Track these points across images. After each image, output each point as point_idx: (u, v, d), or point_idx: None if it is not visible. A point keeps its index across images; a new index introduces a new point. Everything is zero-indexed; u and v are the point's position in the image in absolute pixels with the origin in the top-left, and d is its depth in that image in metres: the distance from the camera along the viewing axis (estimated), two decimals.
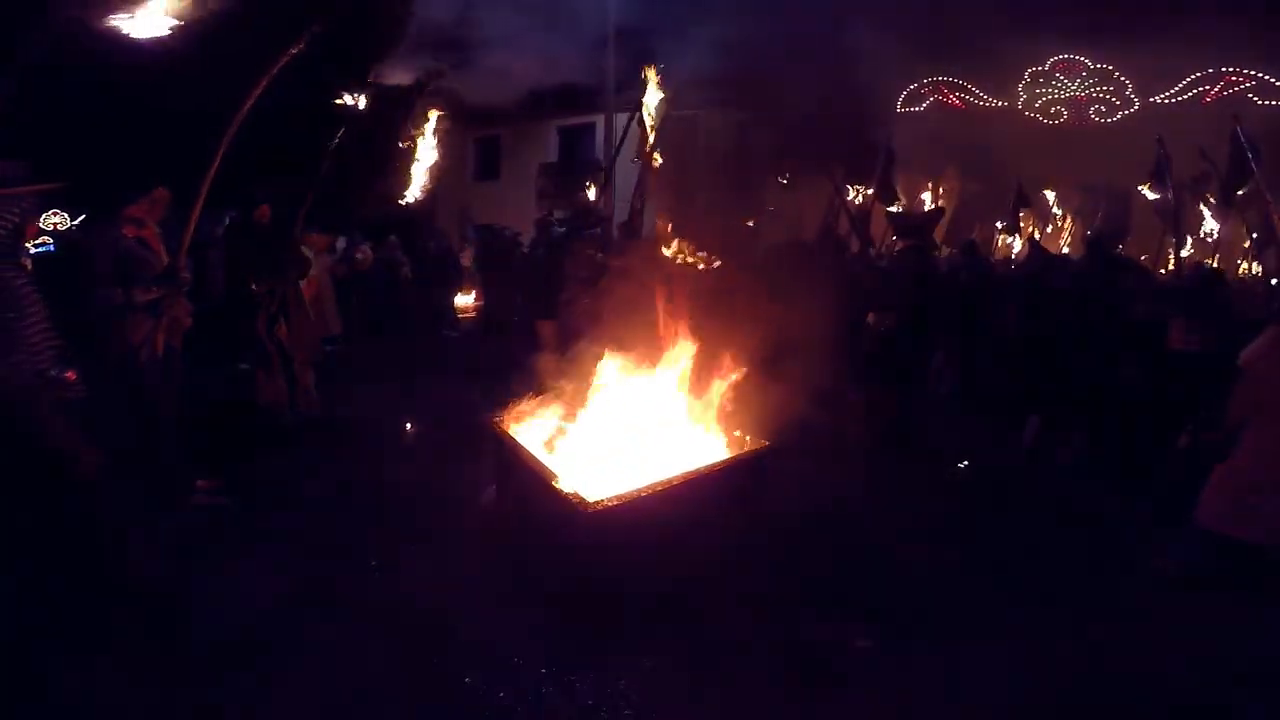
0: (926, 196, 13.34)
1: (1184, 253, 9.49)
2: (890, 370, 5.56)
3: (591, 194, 11.37)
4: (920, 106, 16.60)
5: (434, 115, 6.40)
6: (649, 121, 7.42)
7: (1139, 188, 9.60)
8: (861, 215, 9.95)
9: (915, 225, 6.17)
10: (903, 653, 2.95)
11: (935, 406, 6.82)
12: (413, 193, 6.68)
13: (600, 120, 13.00)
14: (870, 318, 5.91)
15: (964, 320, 6.46)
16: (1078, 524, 4.39)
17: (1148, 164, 9.01)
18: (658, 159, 7.55)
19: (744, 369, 4.04)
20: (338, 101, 5.52)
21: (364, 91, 5.58)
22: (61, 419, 2.87)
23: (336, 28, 4.39)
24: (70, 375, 2.98)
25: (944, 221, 10.18)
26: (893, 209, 9.60)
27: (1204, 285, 6.07)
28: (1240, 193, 8.04)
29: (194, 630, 2.97)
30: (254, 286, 5.27)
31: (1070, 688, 2.77)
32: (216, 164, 3.82)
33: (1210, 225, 11.54)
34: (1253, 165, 7.45)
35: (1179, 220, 7.63)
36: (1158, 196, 8.93)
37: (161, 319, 3.62)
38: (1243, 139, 7.60)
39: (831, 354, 6.04)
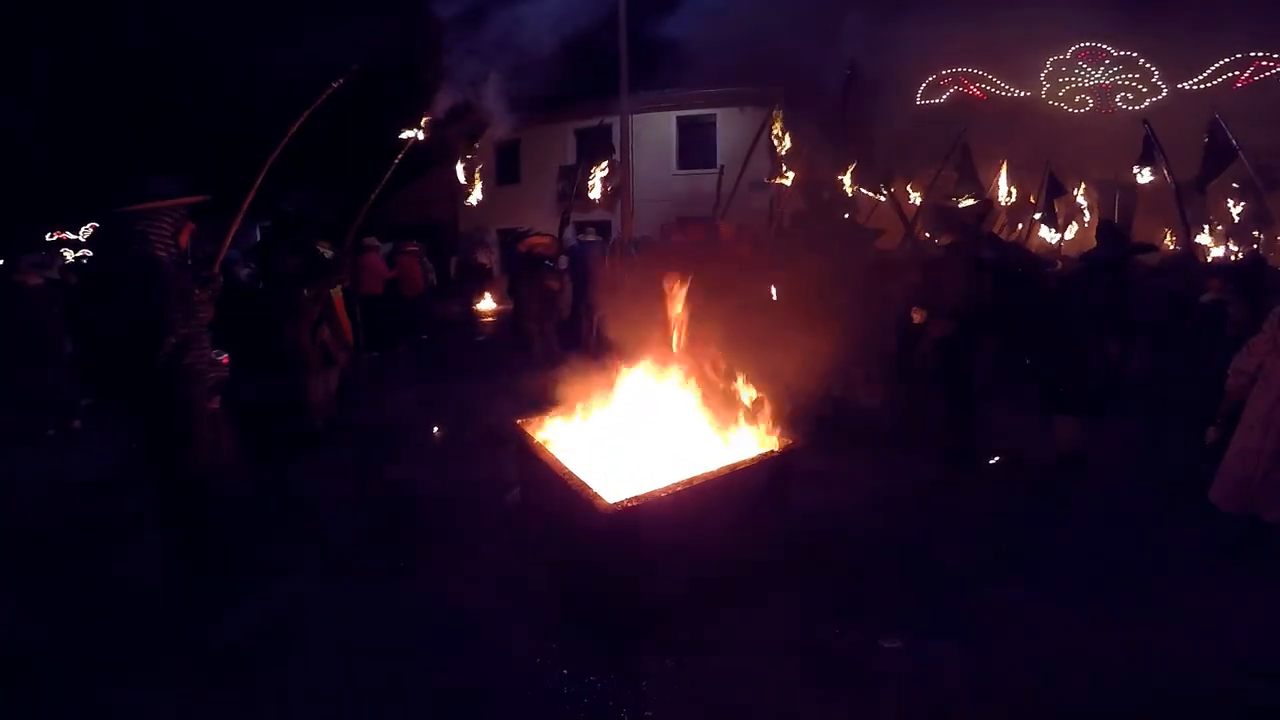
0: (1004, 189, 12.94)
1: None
2: (938, 367, 5.43)
3: (595, 189, 11.14)
4: (940, 98, 16.37)
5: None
6: (778, 148, 7.99)
7: (1134, 172, 9.44)
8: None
9: (965, 220, 5.95)
10: (932, 653, 2.91)
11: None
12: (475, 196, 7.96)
13: (616, 121, 12.99)
14: (914, 314, 5.80)
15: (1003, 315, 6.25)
16: (1114, 520, 4.27)
17: (1187, 151, 8.84)
18: (788, 179, 8.02)
19: (766, 365, 4.02)
20: (402, 136, 6.09)
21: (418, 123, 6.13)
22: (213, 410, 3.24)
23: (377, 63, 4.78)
24: (224, 359, 3.32)
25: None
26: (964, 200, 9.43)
27: (1253, 268, 5.93)
28: (1213, 182, 8.37)
29: (221, 629, 3.04)
30: (305, 292, 5.41)
31: (1104, 688, 2.71)
32: (260, 180, 4.02)
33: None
34: (1238, 154, 7.70)
35: (1183, 206, 7.51)
36: (1152, 180, 8.82)
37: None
38: (1226, 131, 7.81)
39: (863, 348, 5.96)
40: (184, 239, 3.27)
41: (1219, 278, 5.79)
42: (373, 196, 6.18)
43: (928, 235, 7.71)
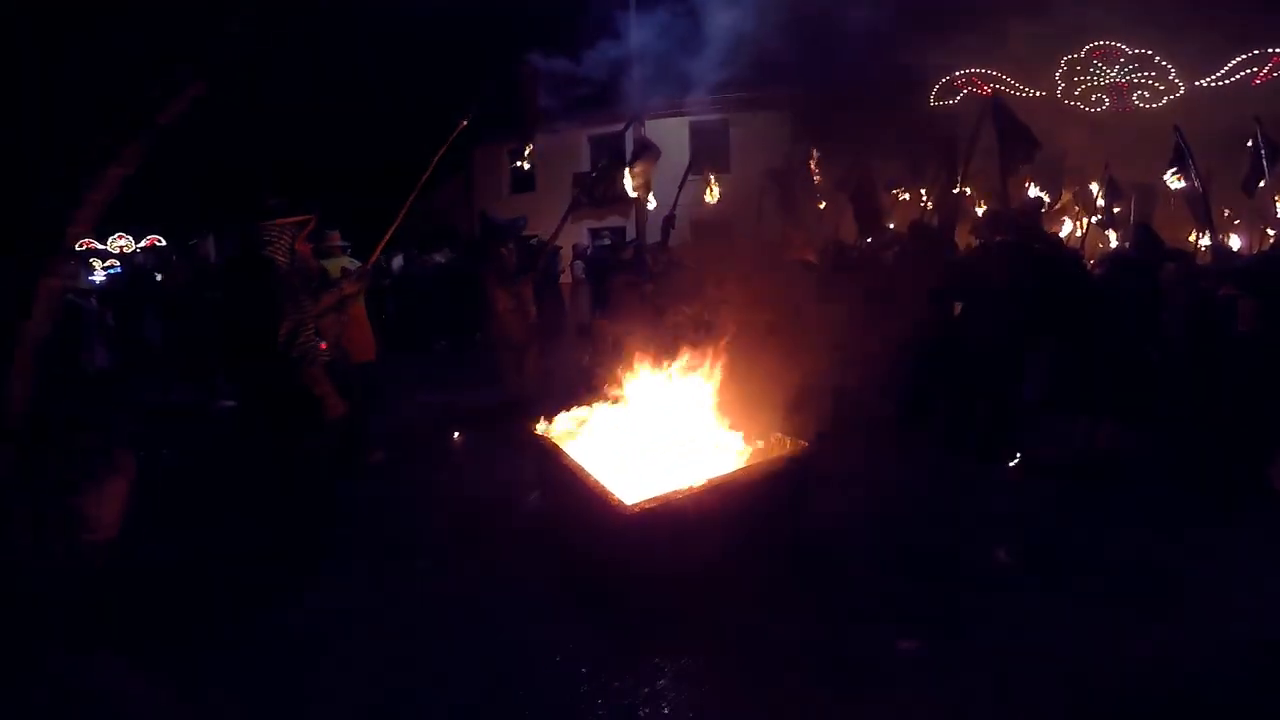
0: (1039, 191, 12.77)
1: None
2: (985, 372, 5.37)
3: (628, 185, 11.18)
4: (954, 99, 16.32)
5: None
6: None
7: (1164, 177, 9.36)
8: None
9: (1021, 218, 5.81)
10: (950, 655, 2.90)
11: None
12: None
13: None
14: (957, 310, 5.68)
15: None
16: (1140, 521, 4.16)
17: (1208, 147, 8.82)
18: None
19: (789, 367, 4.04)
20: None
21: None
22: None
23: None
24: (323, 345, 3.92)
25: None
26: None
27: (1261, 264, 5.85)
28: (1261, 184, 8.59)
29: (248, 629, 3.14)
30: (519, 284, 6.44)
31: (1127, 691, 2.68)
32: (406, 211, 5.08)
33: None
34: (1265, 163, 8.07)
35: (1208, 207, 7.45)
36: (1183, 185, 8.78)
37: (343, 315, 4.61)
38: (1260, 138, 8.12)
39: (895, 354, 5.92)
40: (299, 246, 3.98)
41: (1228, 274, 5.73)
42: (570, 208, 7.60)
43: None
